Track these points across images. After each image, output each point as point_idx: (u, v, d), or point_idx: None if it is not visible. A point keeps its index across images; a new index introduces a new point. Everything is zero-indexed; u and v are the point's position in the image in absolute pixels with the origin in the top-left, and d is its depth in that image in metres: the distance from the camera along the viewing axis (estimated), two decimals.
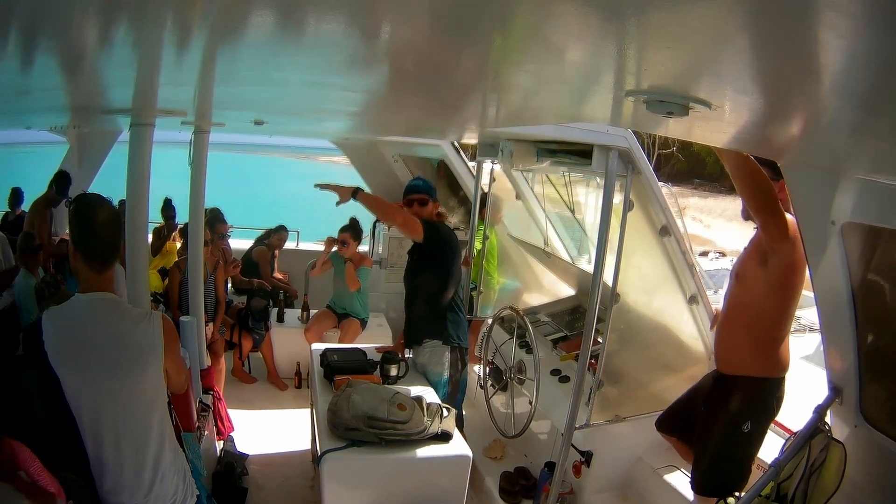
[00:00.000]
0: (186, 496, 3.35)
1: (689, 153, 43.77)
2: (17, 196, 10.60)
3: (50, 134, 10.93)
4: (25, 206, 10.37)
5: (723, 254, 13.17)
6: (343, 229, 8.51)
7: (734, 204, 36.60)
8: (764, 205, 3.84)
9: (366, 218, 7.96)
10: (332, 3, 1.66)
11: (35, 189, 10.32)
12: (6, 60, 2.78)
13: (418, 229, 5.35)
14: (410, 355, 5.78)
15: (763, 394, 4.13)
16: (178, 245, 9.32)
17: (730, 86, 1.91)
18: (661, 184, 4.86)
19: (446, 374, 5.39)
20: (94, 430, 3.07)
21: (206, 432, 5.52)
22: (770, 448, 4.50)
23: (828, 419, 3.86)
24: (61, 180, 9.73)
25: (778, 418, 4.53)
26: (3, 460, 2.79)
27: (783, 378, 4.17)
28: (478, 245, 7.45)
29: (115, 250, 3.12)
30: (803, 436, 3.77)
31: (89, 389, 3.02)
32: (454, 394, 5.42)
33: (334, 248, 8.45)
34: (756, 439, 4.24)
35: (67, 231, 10.53)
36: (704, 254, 13.71)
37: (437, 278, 5.47)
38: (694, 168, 44.35)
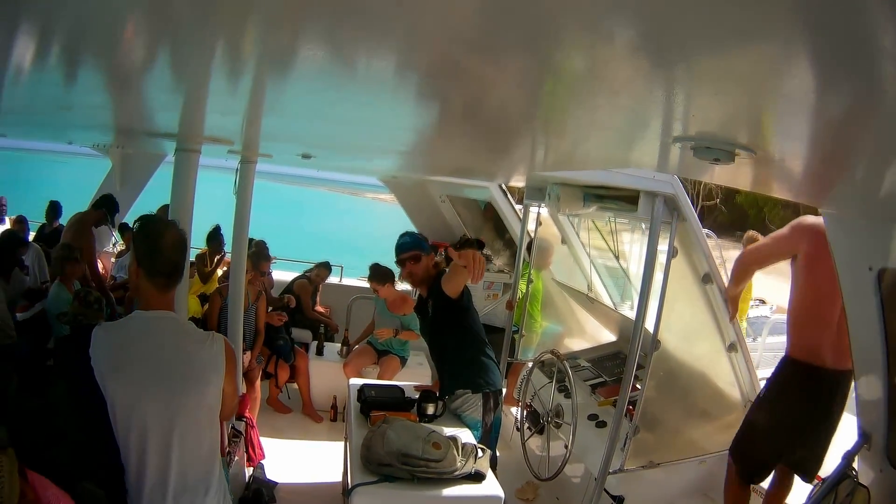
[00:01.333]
0: None
1: (732, 205, 43.46)
2: (55, 209, 10.58)
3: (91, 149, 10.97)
4: (62, 220, 10.32)
5: (763, 301, 12.97)
6: (369, 278, 8.47)
7: None
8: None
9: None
10: (383, 41, 1.72)
11: (70, 198, 10.44)
12: (50, 73, 2.83)
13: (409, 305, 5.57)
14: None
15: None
16: (220, 273, 9.39)
17: (775, 133, 1.97)
18: (705, 231, 4.89)
19: (479, 418, 5.26)
20: (141, 444, 3.03)
21: (237, 457, 5.54)
22: (800, 494, 4.55)
23: (855, 465, 3.86)
24: (110, 205, 9.63)
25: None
26: (27, 500, 2.75)
27: None
28: (522, 288, 7.42)
29: (179, 270, 3.11)
30: (831, 482, 3.79)
31: (144, 402, 3.00)
32: (487, 434, 5.26)
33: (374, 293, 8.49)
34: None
35: (109, 249, 10.57)
36: None
37: (455, 330, 5.33)
38: (736, 220, 43.94)
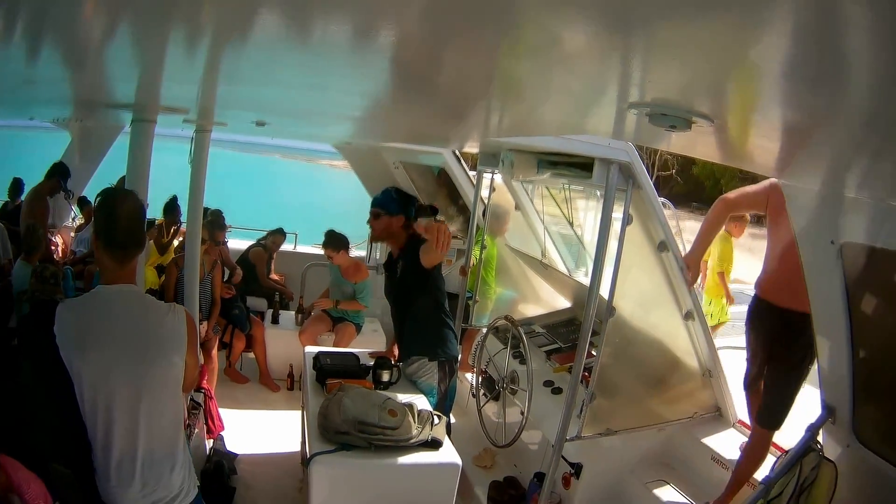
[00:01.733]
0: (191, 488, 3.34)
1: (688, 176, 43.77)
2: (17, 186, 10.59)
3: (52, 125, 10.96)
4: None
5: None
6: (324, 244, 8.60)
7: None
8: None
9: (358, 223, 7.87)
10: (337, 6, 1.69)
11: (31, 173, 10.37)
12: (12, 49, 2.79)
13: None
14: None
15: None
16: (177, 243, 9.31)
17: (733, 101, 1.95)
18: (661, 200, 4.87)
19: (434, 384, 5.34)
20: (108, 420, 3.06)
21: (196, 430, 5.52)
22: (762, 466, 4.61)
23: (820, 438, 3.88)
24: (62, 171, 9.73)
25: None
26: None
27: None
28: (476, 254, 7.41)
29: (136, 241, 3.14)
30: (795, 454, 3.80)
31: (111, 378, 3.02)
32: (442, 401, 5.36)
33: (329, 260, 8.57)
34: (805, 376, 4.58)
35: (69, 223, 10.51)
36: None
37: (420, 295, 5.40)
38: (692, 191, 44.34)
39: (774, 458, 4.30)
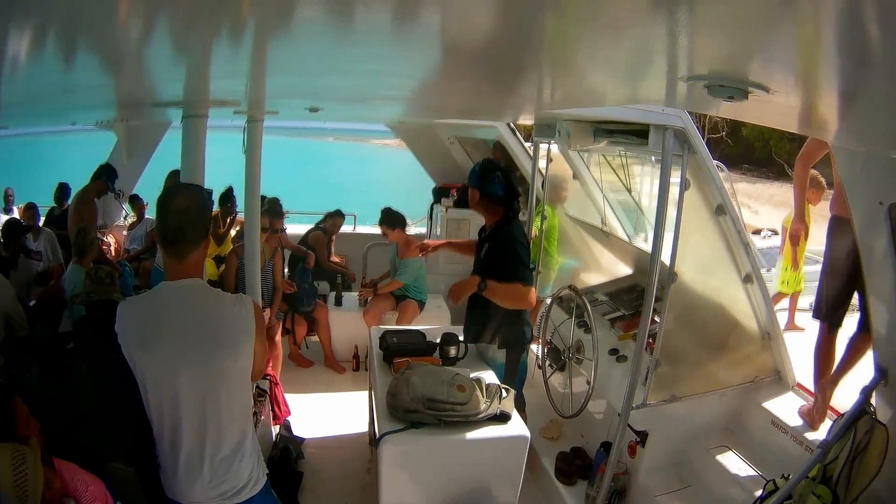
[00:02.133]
0: (260, 476, 3.38)
1: (738, 138, 43.16)
2: (63, 191, 10.61)
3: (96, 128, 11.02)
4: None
5: (775, 232, 12.95)
6: (380, 222, 8.68)
7: (781, 189, 35.91)
8: None
9: (416, 201, 7.86)
10: None
11: (76, 176, 10.40)
12: (47, 60, 2.80)
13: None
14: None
15: None
16: (234, 233, 9.43)
17: (787, 70, 1.96)
18: (716, 163, 4.87)
19: (502, 361, 5.31)
20: (175, 416, 3.10)
21: (263, 417, 5.61)
22: (820, 429, 4.63)
23: (873, 401, 3.85)
24: (108, 172, 9.77)
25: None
26: (53, 489, 2.84)
27: None
28: (536, 225, 7.41)
29: (187, 237, 3.07)
30: (849, 418, 3.78)
31: (178, 374, 3.05)
32: (512, 376, 5.29)
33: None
34: None
35: (121, 222, 10.61)
36: (757, 232, 13.49)
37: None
38: (743, 153, 43.76)
39: (831, 422, 4.33)
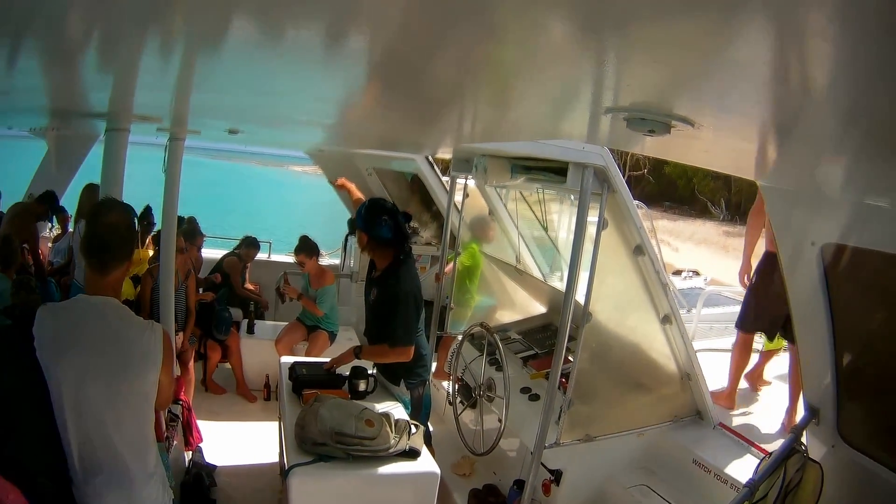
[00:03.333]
0: (166, 502, 3.35)
1: (660, 175, 44.17)
2: None
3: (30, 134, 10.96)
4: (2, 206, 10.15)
5: (696, 273, 13.15)
6: (296, 250, 8.62)
7: (704, 227, 36.85)
8: None
9: (331, 230, 7.77)
10: (307, 12, 1.70)
11: (7, 181, 10.44)
12: None
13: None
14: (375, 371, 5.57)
15: None
16: (151, 253, 9.27)
17: (713, 104, 1.94)
18: (636, 202, 4.86)
19: (408, 397, 5.33)
20: (79, 428, 3.07)
21: (175, 442, 5.47)
22: (744, 468, 4.60)
23: (804, 439, 3.90)
24: (52, 200, 9.65)
25: (752, 438, 5.02)
26: None
27: None
28: (449, 259, 7.36)
29: (112, 252, 3.13)
30: (779, 456, 3.82)
31: (83, 386, 3.02)
32: (417, 411, 5.35)
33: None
34: None
35: (46, 233, 10.48)
36: (678, 272, 13.72)
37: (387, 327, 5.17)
38: (665, 191, 44.76)
39: (758, 461, 4.33)
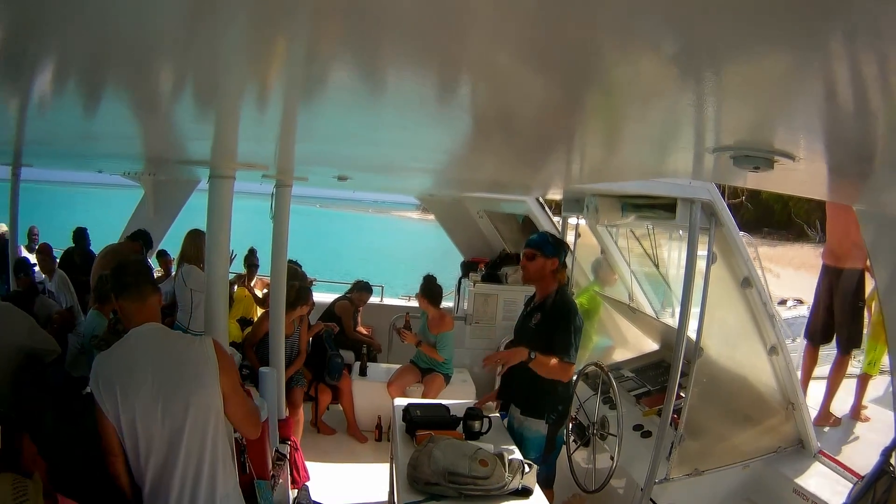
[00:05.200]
0: None
1: (758, 202, 43.17)
2: (82, 235, 10.58)
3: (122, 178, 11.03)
4: (92, 247, 10.48)
5: (800, 301, 12.86)
6: (420, 293, 8.50)
7: (802, 251, 35.91)
8: None
9: (441, 275, 7.86)
10: (415, 62, 1.73)
11: (103, 226, 10.60)
12: (72, 105, 2.86)
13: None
14: (497, 414, 5.49)
15: None
16: (260, 294, 9.41)
17: (812, 136, 1.97)
18: (741, 233, 4.88)
19: (543, 435, 5.10)
20: (147, 453, 3.23)
21: (281, 481, 5.50)
22: (842, 495, 4.58)
23: (893, 461, 3.86)
24: (145, 238, 9.60)
25: (852, 465, 5.01)
26: None
27: None
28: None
29: (142, 280, 3.36)
30: (869, 479, 3.84)
31: (145, 413, 3.17)
32: (549, 452, 5.16)
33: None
34: None
35: None
36: (783, 302, 13.45)
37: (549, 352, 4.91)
38: (762, 216, 43.75)
39: (851, 485, 4.36)
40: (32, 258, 9.51)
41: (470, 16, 1.33)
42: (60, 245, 10.57)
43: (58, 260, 9.71)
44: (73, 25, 1.63)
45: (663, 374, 6.23)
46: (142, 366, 3.20)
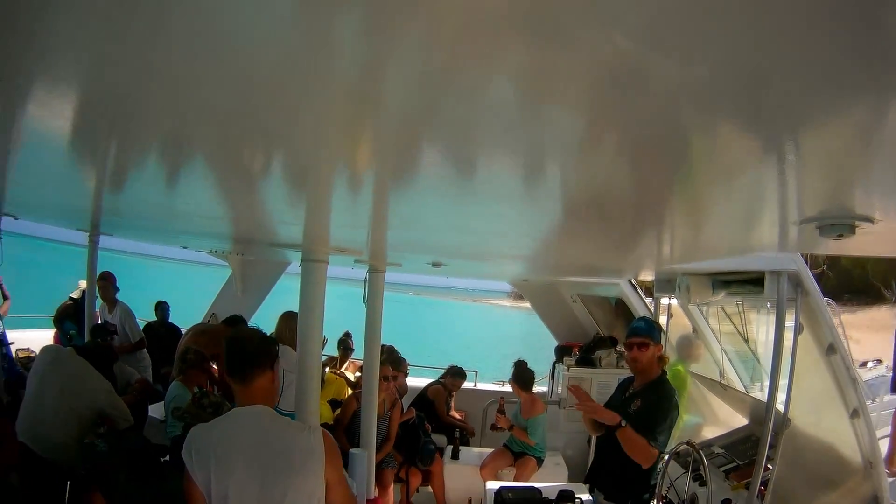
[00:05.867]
0: None
1: (838, 269, 42.58)
2: (163, 309, 10.89)
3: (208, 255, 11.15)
4: (174, 320, 10.86)
5: (879, 361, 12.77)
6: (511, 378, 8.54)
7: (879, 313, 35.35)
8: None
9: (533, 360, 7.90)
10: (503, 150, 1.85)
11: (178, 301, 10.70)
12: (149, 179, 3.02)
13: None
14: (590, 497, 5.47)
15: None
16: (353, 378, 9.53)
17: (887, 196, 2.10)
18: (825, 300, 4.96)
19: None
20: None
21: None
22: None
23: None
24: (239, 323, 9.44)
25: None
26: None
27: None
28: None
29: (250, 360, 3.34)
30: None
31: (250, 492, 3.21)
32: None
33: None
34: None
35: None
36: (863, 364, 13.32)
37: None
38: (842, 282, 43.05)
39: None
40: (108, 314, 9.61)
41: (563, 105, 1.48)
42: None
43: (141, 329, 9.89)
44: (160, 105, 1.79)
45: (751, 447, 6.14)
46: (242, 446, 3.23)
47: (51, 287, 13.75)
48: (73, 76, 1.64)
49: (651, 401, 4.93)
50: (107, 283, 9.56)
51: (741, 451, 6.27)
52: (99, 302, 9.43)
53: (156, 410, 7.48)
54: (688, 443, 5.56)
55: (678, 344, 7.65)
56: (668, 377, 5.66)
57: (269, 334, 3.48)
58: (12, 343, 9.15)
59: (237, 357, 3.34)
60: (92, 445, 5.77)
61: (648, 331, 5.06)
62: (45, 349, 6.51)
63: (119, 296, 9.46)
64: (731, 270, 5.06)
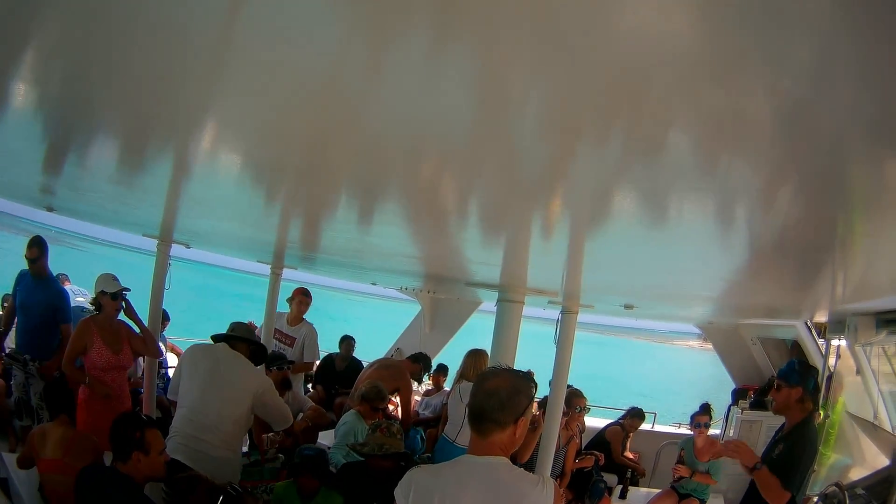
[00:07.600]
0: None
1: None
2: (349, 345, 11.00)
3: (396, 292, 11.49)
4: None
5: None
6: (700, 412, 8.67)
7: None
8: None
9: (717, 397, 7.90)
10: (701, 193, 1.89)
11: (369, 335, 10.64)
12: (348, 218, 3.29)
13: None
14: None
15: None
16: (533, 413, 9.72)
17: None
18: None
19: None
20: None
21: None
22: None
23: None
24: (426, 361, 10.20)
25: None
26: None
27: None
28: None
29: (488, 415, 3.05)
30: None
31: None
32: None
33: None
34: None
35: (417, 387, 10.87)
36: None
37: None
38: None
39: None
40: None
41: (751, 149, 1.53)
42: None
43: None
44: (356, 157, 2.00)
45: (887, 487, 6.17)
46: (471, 493, 3.01)
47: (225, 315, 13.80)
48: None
49: (790, 443, 4.88)
50: (304, 299, 9.47)
51: (878, 492, 6.25)
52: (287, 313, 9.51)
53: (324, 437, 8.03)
54: (836, 484, 5.78)
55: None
56: (822, 419, 5.80)
57: (524, 372, 3.27)
58: (171, 368, 9.34)
59: (475, 411, 3.11)
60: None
61: (785, 373, 5.06)
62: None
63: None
64: (892, 308, 5.03)
